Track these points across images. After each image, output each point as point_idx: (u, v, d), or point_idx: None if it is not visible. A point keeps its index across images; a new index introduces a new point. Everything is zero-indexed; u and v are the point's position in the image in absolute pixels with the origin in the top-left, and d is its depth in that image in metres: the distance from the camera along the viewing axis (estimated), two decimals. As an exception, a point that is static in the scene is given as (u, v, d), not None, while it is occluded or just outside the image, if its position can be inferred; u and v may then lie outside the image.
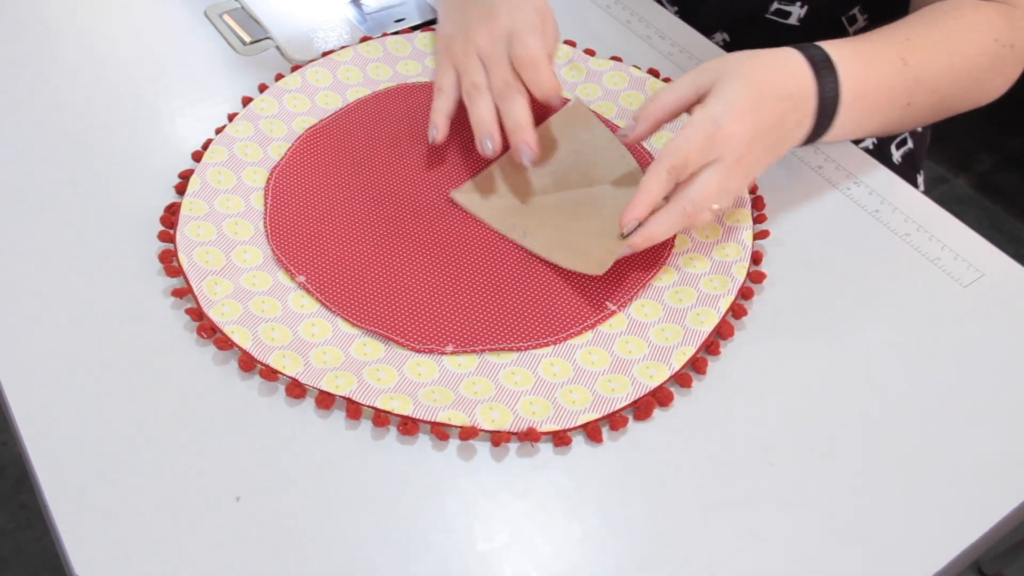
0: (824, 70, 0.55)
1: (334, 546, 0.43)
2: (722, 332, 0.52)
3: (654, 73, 0.68)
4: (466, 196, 0.59)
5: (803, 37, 0.70)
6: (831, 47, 0.56)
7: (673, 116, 0.56)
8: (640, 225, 0.52)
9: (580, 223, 0.57)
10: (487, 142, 0.58)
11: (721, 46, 0.74)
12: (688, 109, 0.56)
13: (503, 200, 0.59)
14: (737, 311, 0.53)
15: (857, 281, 0.55)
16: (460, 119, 0.65)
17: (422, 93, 0.67)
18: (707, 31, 0.73)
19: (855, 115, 0.57)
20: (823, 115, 0.55)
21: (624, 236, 0.52)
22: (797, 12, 0.77)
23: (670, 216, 0.52)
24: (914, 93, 0.59)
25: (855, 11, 0.78)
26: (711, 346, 0.51)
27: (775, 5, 0.77)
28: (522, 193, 0.59)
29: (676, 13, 0.75)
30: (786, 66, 0.55)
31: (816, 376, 0.51)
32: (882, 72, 0.57)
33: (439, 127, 0.61)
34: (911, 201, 0.60)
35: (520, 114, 0.58)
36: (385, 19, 0.74)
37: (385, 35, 0.71)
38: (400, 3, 0.76)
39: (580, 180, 0.60)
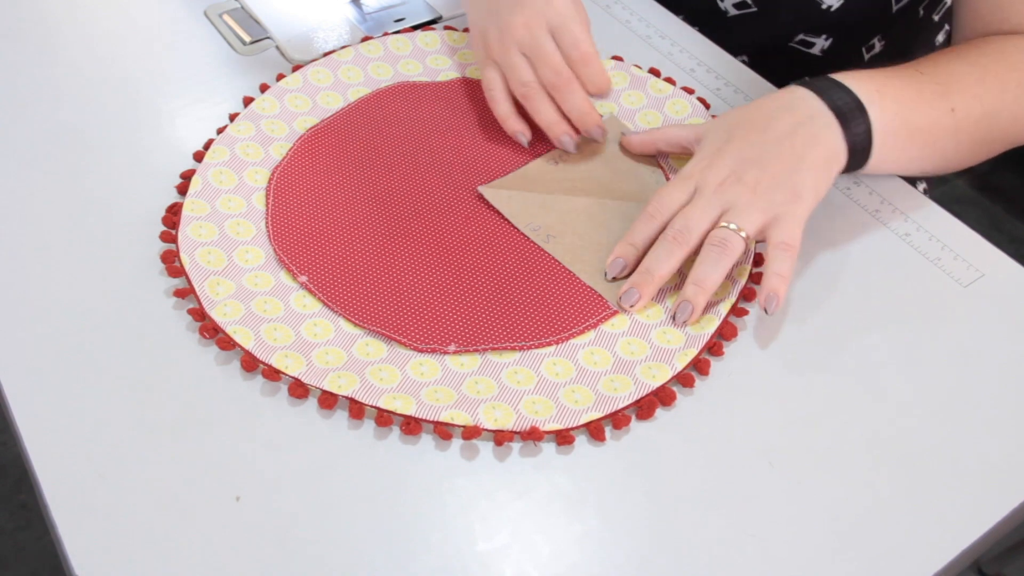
0: (832, 89, 0.55)
1: (334, 546, 0.43)
2: (724, 333, 0.52)
3: (655, 73, 0.68)
4: (494, 192, 0.59)
5: (824, 67, 0.70)
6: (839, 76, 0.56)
7: (668, 146, 0.60)
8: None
9: (602, 235, 0.57)
10: (565, 138, 0.60)
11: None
12: (684, 149, 0.60)
13: (530, 199, 0.59)
14: (739, 312, 0.53)
15: (857, 281, 0.55)
16: (469, 119, 0.65)
17: (423, 91, 0.67)
18: (729, 54, 0.73)
19: (891, 104, 0.55)
20: (845, 110, 0.54)
21: (607, 278, 0.54)
22: (821, 44, 0.77)
23: (659, 244, 0.53)
24: (952, 96, 0.56)
25: (874, 40, 0.78)
26: (713, 347, 0.51)
27: (800, 35, 0.77)
28: (550, 194, 0.59)
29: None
30: (772, 94, 0.56)
31: (817, 376, 0.51)
32: (901, 79, 0.56)
33: (523, 131, 0.61)
34: (911, 201, 0.60)
35: (583, 102, 0.60)
36: (385, 19, 0.74)
37: (386, 34, 0.71)
38: (400, 3, 0.76)
39: (609, 189, 0.60)
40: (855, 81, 0.55)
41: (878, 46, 0.79)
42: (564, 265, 0.55)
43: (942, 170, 0.61)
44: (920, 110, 0.56)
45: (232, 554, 0.43)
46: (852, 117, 0.54)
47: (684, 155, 0.61)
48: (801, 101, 0.55)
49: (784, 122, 0.54)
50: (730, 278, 0.54)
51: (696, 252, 0.52)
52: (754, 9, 0.76)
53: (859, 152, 0.55)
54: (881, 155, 0.56)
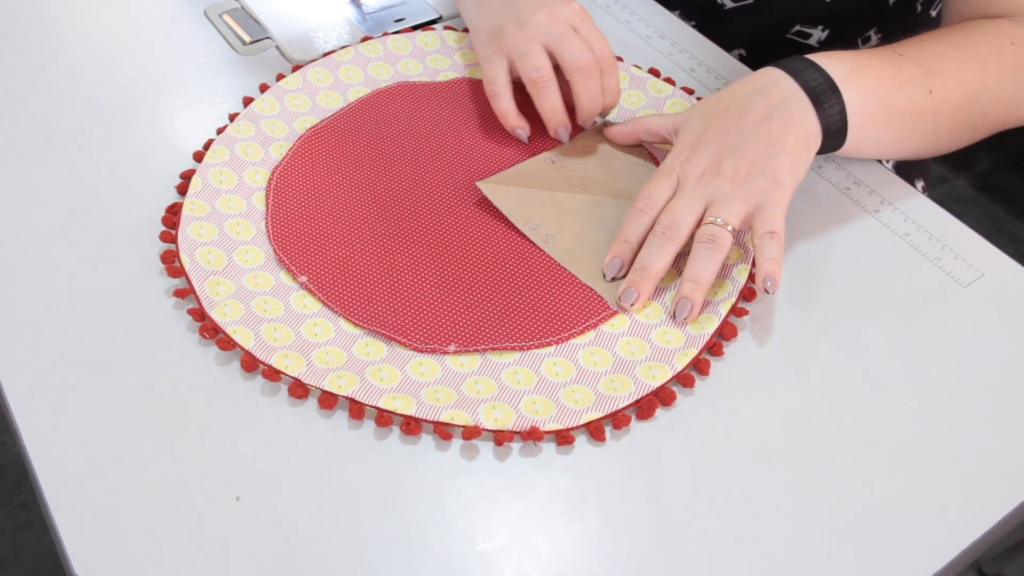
0: (807, 70, 0.55)
1: (334, 546, 0.43)
2: (725, 333, 0.52)
3: (655, 73, 0.68)
4: (492, 187, 0.59)
5: None
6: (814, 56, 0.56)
7: (648, 136, 0.61)
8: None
9: (600, 234, 0.57)
10: (562, 130, 0.61)
11: (737, 60, 0.74)
12: (663, 140, 0.61)
13: (528, 195, 0.59)
14: (739, 312, 0.53)
15: (857, 281, 0.55)
16: (469, 119, 0.65)
17: (423, 91, 0.67)
18: (726, 47, 0.73)
19: (867, 85, 0.55)
20: (819, 91, 0.54)
21: (607, 278, 0.54)
22: (818, 35, 0.77)
23: (650, 240, 0.53)
24: (931, 78, 0.56)
25: (871, 32, 0.78)
26: (713, 347, 0.51)
27: (797, 27, 0.77)
28: (547, 191, 0.59)
29: (694, 27, 0.76)
30: (747, 77, 0.56)
31: (817, 376, 0.51)
32: (879, 60, 0.56)
33: (523, 127, 0.62)
34: (911, 201, 0.60)
35: (598, 93, 0.60)
36: (385, 19, 0.75)
37: (386, 34, 0.71)
38: (400, 3, 0.76)
39: (606, 188, 0.60)
40: (830, 62, 0.55)
41: (875, 39, 0.79)
42: (563, 266, 0.55)
43: (924, 153, 0.61)
44: (897, 91, 0.56)
45: (232, 554, 0.43)
46: (826, 98, 0.54)
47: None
48: (775, 84, 0.55)
49: (759, 106, 0.54)
50: (730, 278, 0.54)
51: (688, 245, 0.53)
52: (751, 1, 0.76)
53: (834, 133, 0.55)
54: (858, 136, 0.56)
